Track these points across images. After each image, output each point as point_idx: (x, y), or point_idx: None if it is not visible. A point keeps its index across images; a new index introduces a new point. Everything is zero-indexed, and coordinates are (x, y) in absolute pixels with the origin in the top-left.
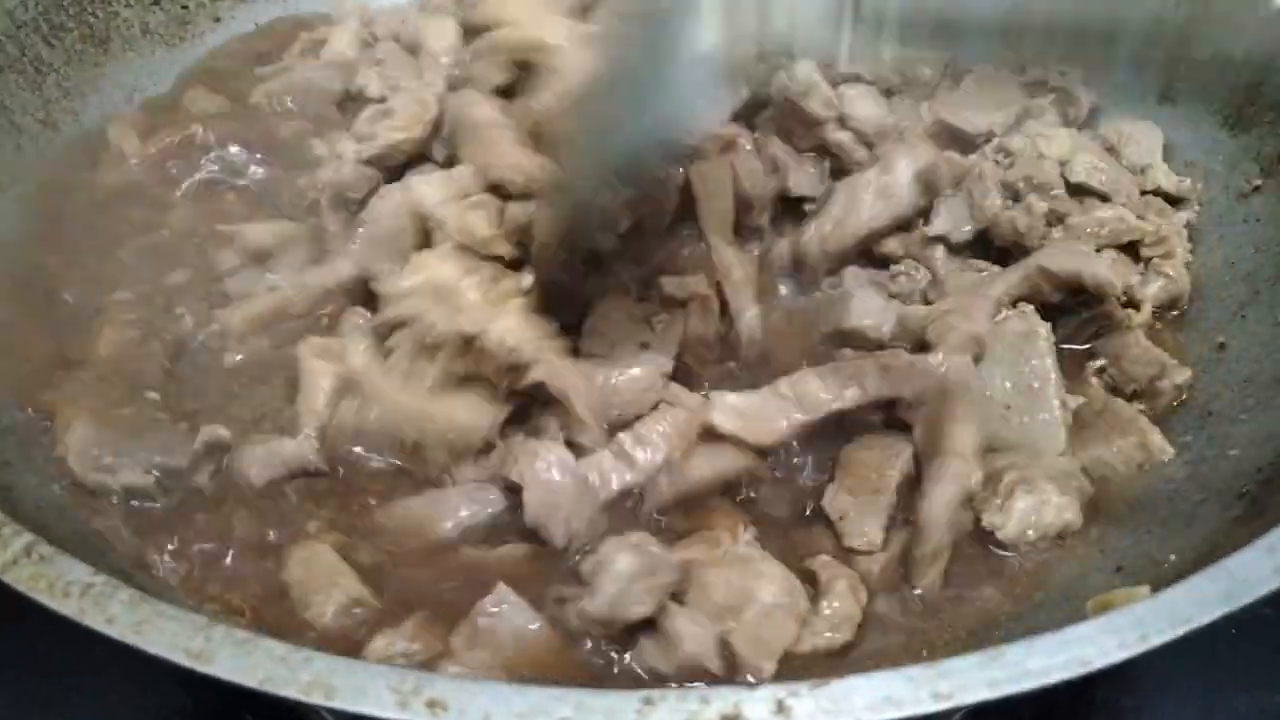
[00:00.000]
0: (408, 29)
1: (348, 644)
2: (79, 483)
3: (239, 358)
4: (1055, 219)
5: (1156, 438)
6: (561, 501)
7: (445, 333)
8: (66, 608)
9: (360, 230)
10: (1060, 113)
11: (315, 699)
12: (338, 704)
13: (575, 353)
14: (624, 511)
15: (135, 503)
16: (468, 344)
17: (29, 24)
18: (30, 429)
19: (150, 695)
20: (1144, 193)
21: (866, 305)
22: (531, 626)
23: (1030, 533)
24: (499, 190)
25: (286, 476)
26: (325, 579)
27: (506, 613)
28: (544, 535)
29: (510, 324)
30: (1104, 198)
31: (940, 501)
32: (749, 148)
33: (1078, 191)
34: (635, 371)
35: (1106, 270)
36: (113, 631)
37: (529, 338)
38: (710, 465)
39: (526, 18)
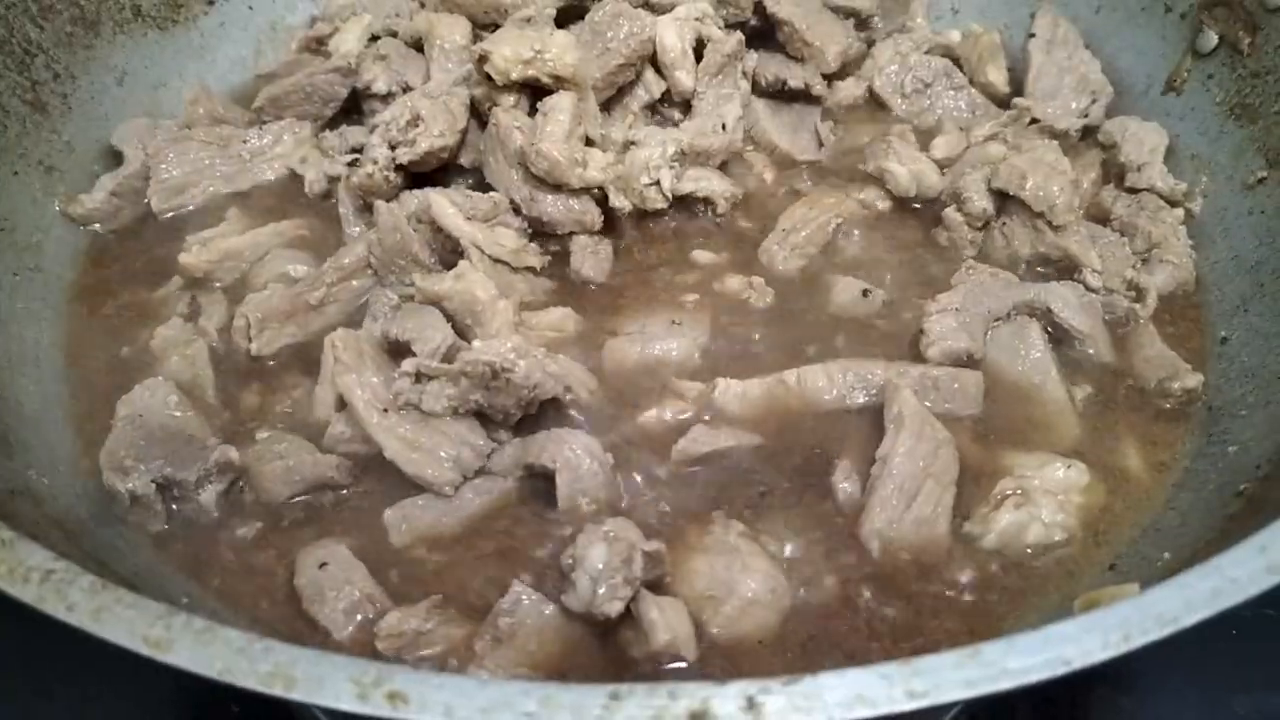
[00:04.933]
0: (411, 24)
1: (362, 640)
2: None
3: (268, 351)
4: None
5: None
6: (589, 486)
7: (475, 361)
8: (25, 594)
9: (371, 233)
10: None
11: (275, 690)
12: (297, 696)
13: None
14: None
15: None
16: (495, 375)
17: (17, 5)
18: (7, 413)
19: (136, 682)
20: (1136, 190)
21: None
22: (552, 621)
23: (1009, 549)
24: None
25: (305, 490)
26: (340, 576)
27: (524, 609)
28: (573, 515)
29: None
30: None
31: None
32: None
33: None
34: (672, 344)
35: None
36: (71, 619)
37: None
38: (711, 441)
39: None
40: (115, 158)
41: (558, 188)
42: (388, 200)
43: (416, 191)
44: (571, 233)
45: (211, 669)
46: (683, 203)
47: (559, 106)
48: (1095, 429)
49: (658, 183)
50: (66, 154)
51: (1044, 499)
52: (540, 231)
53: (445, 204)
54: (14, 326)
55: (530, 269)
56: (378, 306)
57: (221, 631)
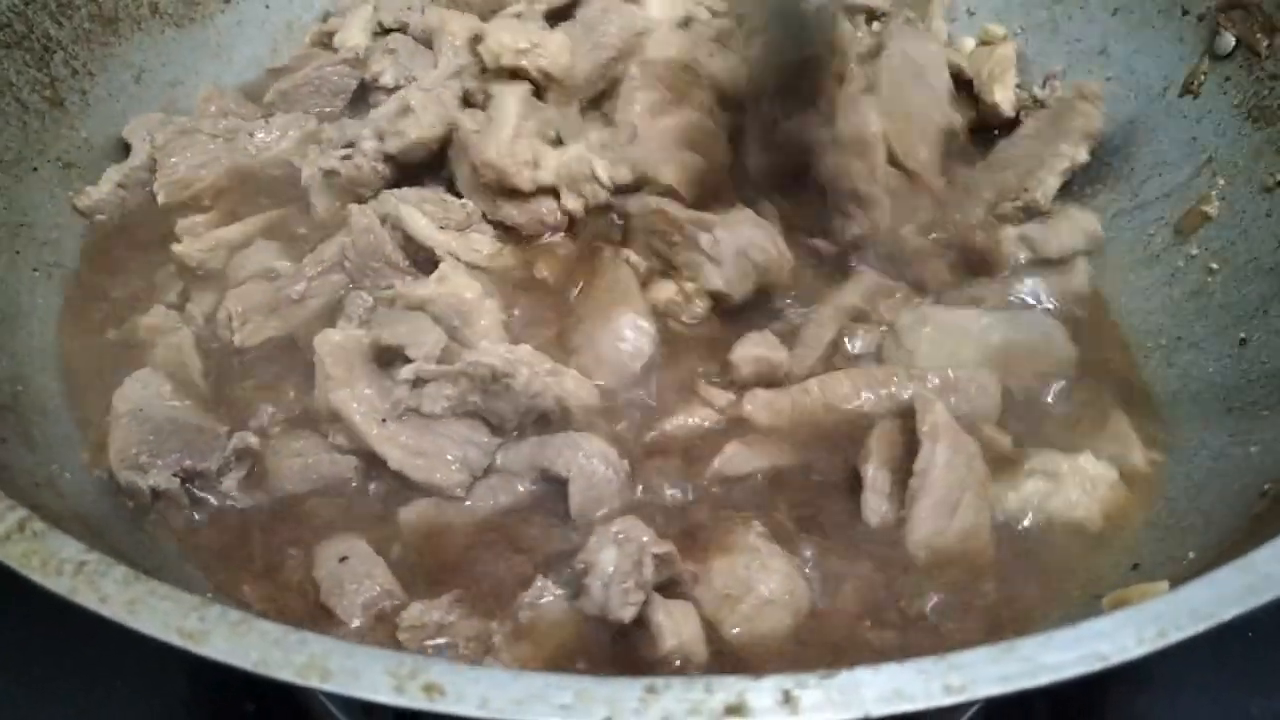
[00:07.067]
0: (421, 19)
1: (377, 631)
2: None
3: (252, 343)
4: None
5: (1138, 454)
6: (604, 494)
7: (479, 364)
8: (59, 586)
9: (342, 235)
10: None
11: (311, 681)
12: (333, 687)
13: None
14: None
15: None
16: (494, 378)
17: (37, 1)
18: (30, 407)
19: (150, 682)
20: None
21: None
22: (571, 617)
23: (1030, 514)
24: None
25: (320, 487)
26: (360, 570)
27: (546, 605)
28: (584, 524)
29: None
30: None
31: None
32: None
33: None
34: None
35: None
36: (105, 611)
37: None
38: (748, 461)
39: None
40: (128, 152)
41: (513, 193)
42: (375, 192)
43: (394, 191)
44: (538, 234)
45: (247, 661)
46: None
47: (503, 106)
48: (1114, 430)
49: (595, 174)
50: (84, 151)
51: (1070, 479)
52: (511, 234)
53: (416, 215)
54: (35, 322)
55: (506, 270)
56: (352, 308)
57: (257, 623)
